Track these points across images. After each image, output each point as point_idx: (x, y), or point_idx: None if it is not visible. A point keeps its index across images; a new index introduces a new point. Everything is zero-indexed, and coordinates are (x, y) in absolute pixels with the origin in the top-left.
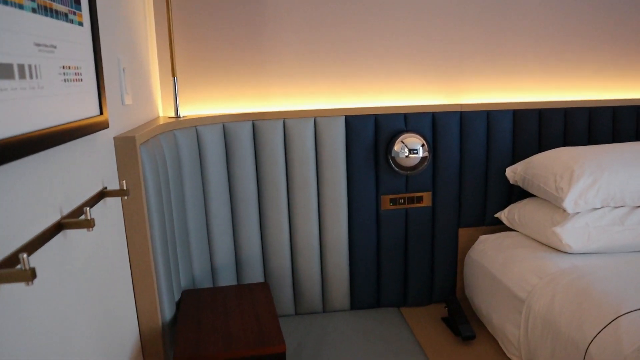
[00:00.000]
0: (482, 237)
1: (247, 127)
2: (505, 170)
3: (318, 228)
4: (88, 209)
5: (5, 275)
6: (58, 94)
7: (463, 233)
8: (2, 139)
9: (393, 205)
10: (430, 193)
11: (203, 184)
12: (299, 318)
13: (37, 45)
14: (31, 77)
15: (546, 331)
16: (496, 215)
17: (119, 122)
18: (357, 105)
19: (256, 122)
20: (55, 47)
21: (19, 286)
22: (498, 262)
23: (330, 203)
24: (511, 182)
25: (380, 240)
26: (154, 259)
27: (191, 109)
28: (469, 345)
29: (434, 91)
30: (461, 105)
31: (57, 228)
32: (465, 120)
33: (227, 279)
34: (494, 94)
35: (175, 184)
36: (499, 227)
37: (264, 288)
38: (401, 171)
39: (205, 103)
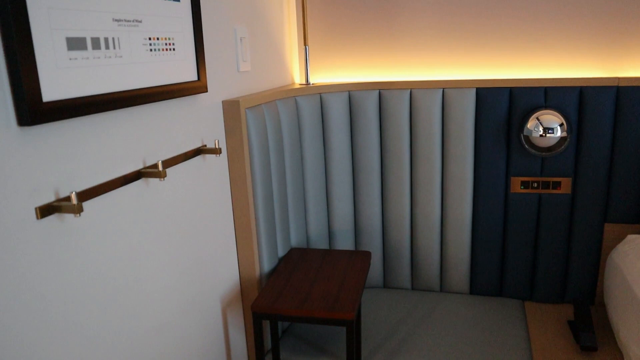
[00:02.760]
0: (630, 237)
1: (373, 96)
2: None
3: (440, 205)
4: (160, 161)
5: (65, 207)
6: (141, 62)
7: (610, 229)
8: (84, 96)
9: (524, 188)
10: (570, 179)
11: (325, 150)
12: (415, 293)
13: (117, 20)
14: (108, 47)
15: None
16: None
17: (232, 88)
18: (489, 77)
19: (382, 92)
20: (140, 22)
21: (99, 219)
22: (636, 269)
23: (454, 180)
24: None
25: (507, 225)
26: (255, 214)
27: (324, 77)
28: (586, 357)
29: (584, 61)
30: (619, 79)
31: (136, 176)
32: (622, 97)
33: (344, 244)
34: None
35: (292, 147)
36: None
37: (365, 257)
38: (535, 152)
39: (334, 71)
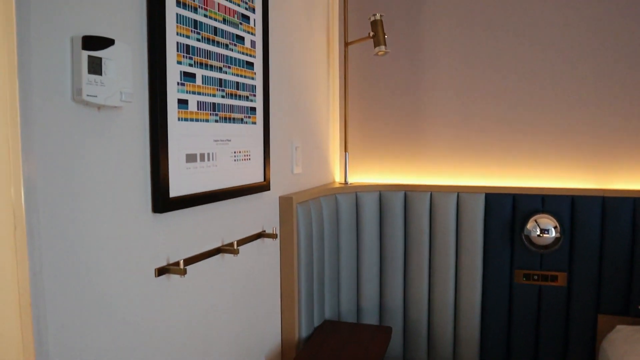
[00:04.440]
0: (619, 327)
1: (400, 196)
2: None
3: (454, 289)
4: (235, 241)
5: (173, 269)
6: (228, 169)
7: (603, 320)
8: (192, 194)
9: (526, 280)
10: (565, 274)
11: (357, 238)
12: None
13: (215, 140)
14: (209, 159)
15: None
16: (639, 306)
17: (287, 186)
18: (496, 185)
19: (408, 193)
20: (230, 140)
21: (191, 281)
22: (621, 353)
23: (466, 269)
24: None
25: (512, 311)
26: (298, 289)
27: (360, 177)
28: None
29: (575, 174)
30: (604, 190)
31: (217, 251)
32: (608, 205)
33: (369, 318)
34: None
35: (331, 235)
36: None
37: (387, 332)
38: (534, 249)
39: (369, 173)
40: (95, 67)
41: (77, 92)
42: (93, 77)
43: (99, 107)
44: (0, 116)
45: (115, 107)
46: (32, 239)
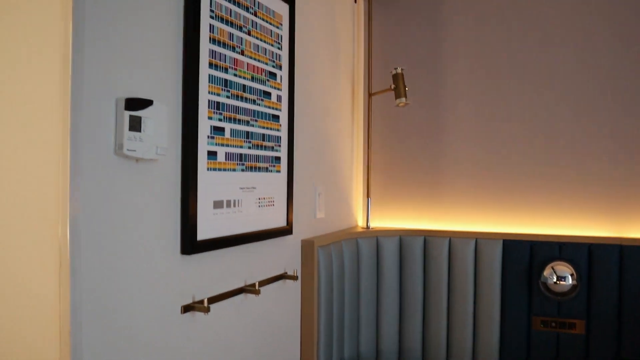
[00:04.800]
0: None
1: (420, 241)
2: None
3: (472, 334)
4: (257, 282)
5: (198, 307)
6: (253, 214)
7: None
8: (218, 237)
9: (544, 327)
10: (584, 321)
11: (377, 281)
12: None
13: (241, 188)
14: (235, 206)
15: None
16: None
17: (310, 230)
18: (514, 231)
19: (427, 238)
20: (255, 188)
21: (215, 318)
22: None
23: (484, 314)
24: None
25: (529, 358)
26: (317, 329)
27: (381, 222)
28: None
29: (592, 223)
30: (621, 239)
31: (240, 290)
32: (625, 254)
33: None
34: None
35: (352, 278)
36: None
37: None
38: (552, 296)
39: (390, 218)
40: (135, 124)
41: (119, 147)
42: (133, 133)
43: (137, 159)
44: (53, 165)
45: (152, 159)
46: (74, 275)
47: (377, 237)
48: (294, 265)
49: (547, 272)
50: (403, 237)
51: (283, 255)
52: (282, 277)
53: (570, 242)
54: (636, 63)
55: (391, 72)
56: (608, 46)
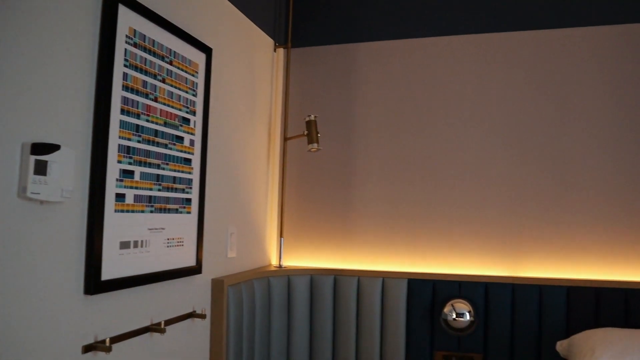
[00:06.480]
0: None
1: (330, 280)
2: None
3: None
4: (163, 321)
5: (100, 347)
6: (161, 254)
7: None
8: (124, 277)
9: None
10: (481, 355)
11: (289, 319)
12: None
13: (150, 229)
14: (142, 246)
15: None
16: None
17: (221, 269)
18: (418, 271)
19: (337, 277)
20: (164, 229)
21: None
22: None
23: (390, 350)
24: (562, 355)
25: None
26: None
27: (294, 260)
28: None
29: (489, 262)
30: (513, 277)
31: (145, 329)
32: (517, 292)
33: None
34: (548, 268)
35: (263, 316)
36: None
37: None
38: (452, 332)
39: (303, 257)
40: (40, 168)
41: (22, 190)
42: (38, 177)
43: (42, 202)
44: None
45: (57, 202)
46: None
47: (289, 276)
48: (203, 304)
49: (447, 309)
50: (314, 276)
51: (192, 294)
52: (190, 315)
53: (469, 281)
54: (528, 121)
55: (305, 119)
56: (500, 96)
